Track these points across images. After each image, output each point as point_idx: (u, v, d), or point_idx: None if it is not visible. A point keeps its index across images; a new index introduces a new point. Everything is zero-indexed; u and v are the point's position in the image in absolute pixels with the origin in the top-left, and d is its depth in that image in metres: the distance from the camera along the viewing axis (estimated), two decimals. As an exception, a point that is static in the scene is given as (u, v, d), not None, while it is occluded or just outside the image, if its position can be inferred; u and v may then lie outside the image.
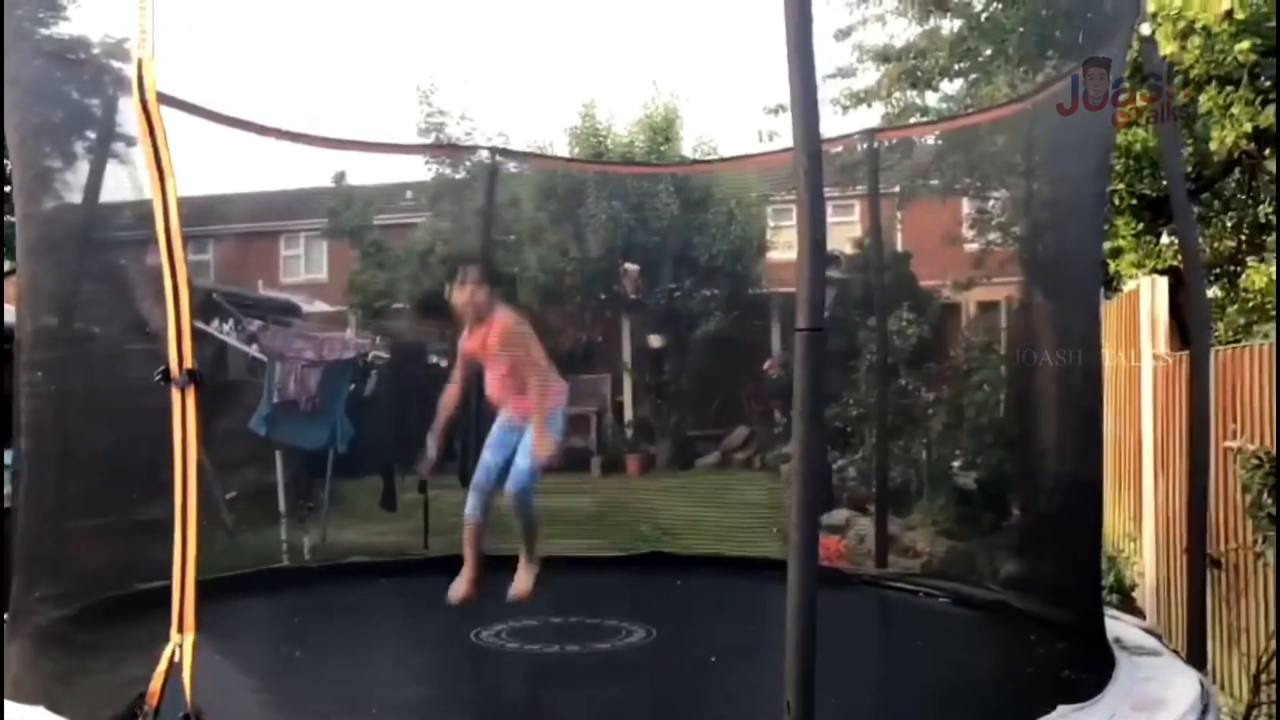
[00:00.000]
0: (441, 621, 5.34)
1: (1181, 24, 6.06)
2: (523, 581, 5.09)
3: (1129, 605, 7.04)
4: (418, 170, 17.25)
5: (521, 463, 4.89)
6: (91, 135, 5.58)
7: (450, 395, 5.20)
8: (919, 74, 10.48)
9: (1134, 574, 7.43)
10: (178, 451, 2.95)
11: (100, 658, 3.92)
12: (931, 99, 11.11)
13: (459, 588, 5.02)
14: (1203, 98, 6.65)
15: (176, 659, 2.94)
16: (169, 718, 2.96)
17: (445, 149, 15.64)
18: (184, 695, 2.95)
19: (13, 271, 5.65)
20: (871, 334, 8.28)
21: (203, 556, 3.08)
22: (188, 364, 2.95)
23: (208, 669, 3.11)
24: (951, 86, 10.89)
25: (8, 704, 3.40)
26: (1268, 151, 7.22)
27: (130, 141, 4.38)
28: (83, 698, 3.50)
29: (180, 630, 2.96)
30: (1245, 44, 5.99)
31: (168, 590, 3.02)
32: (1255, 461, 4.96)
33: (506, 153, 10.42)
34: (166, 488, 3.04)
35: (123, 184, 5.08)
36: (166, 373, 2.95)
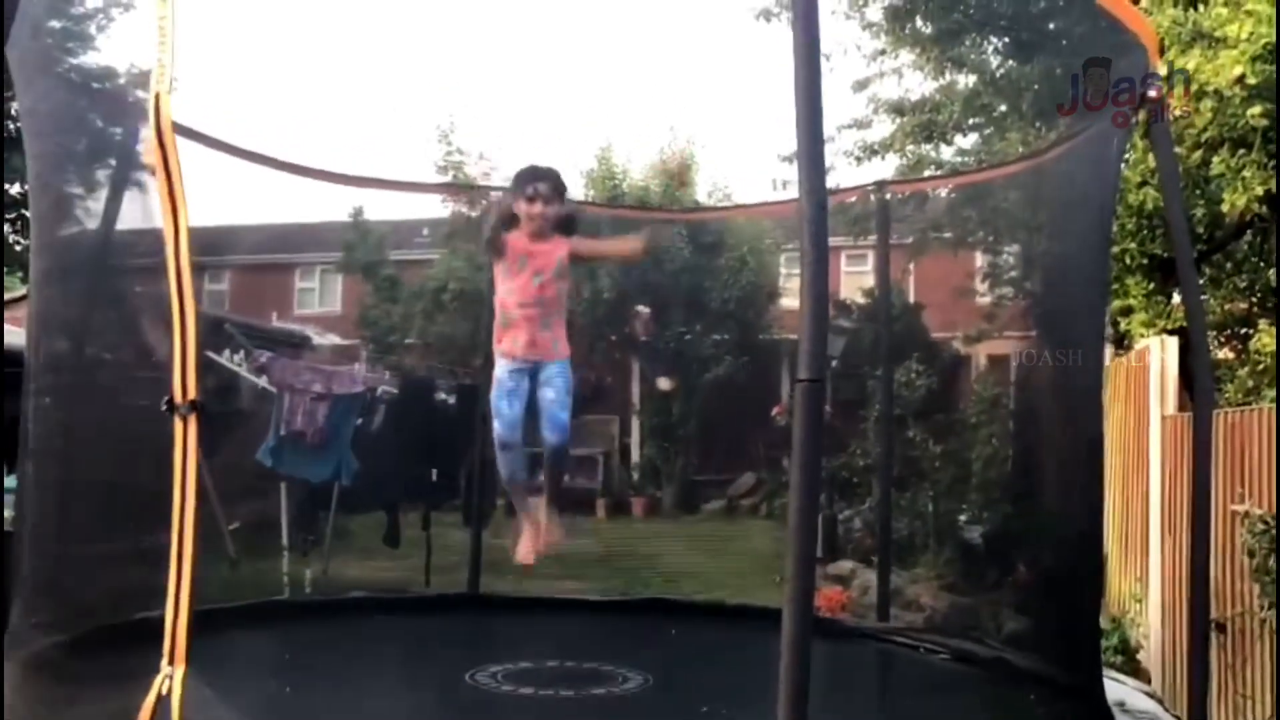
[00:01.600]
0: (437, 662, 5.32)
1: (1194, 87, 6.09)
2: (553, 531, 4.76)
3: (1134, 667, 6.97)
4: (434, 208, 17.41)
5: (559, 411, 4.46)
6: (113, 163, 5.64)
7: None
8: (933, 127, 10.54)
9: (1139, 636, 7.36)
10: (177, 482, 2.96)
11: (91, 687, 3.90)
12: (946, 152, 11.18)
13: (526, 549, 4.73)
14: (1215, 160, 6.67)
15: (165, 691, 2.92)
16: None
17: (462, 188, 15.77)
18: (172, 729, 2.93)
19: (20, 298, 5.69)
20: (880, 384, 8.26)
21: (202, 587, 3.07)
22: (191, 394, 2.96)
23: (200, 703, 3.09)
24: (965, 141, 10.96)
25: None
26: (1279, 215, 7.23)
27: (151, 170, 4.43)
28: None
29: (171, 662, 2.94)
30: (1257, 108, 6.01)
31: (162, 620, 3.01)
32: (1262, 525, 4.92)
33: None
34: (167, 517, 3.04)
35: (140, 212, 5.13)
36: (171, 402, 2.96)
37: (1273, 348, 8.13)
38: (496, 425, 4.50)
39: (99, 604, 4.86)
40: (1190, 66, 6.01)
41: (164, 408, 2.94)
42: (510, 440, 4.50)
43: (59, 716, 3.67)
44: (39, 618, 4.52)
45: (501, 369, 4.54)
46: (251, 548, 8.78)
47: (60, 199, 5.37)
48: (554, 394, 4.47)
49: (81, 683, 4.01)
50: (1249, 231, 8.37)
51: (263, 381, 8.43)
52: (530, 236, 4.51)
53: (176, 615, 2.97)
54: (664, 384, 16.85)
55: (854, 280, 15.67)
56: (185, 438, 2.98)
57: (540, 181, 4.51)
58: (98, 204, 5.33)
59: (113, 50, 12.60)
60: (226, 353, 9.00)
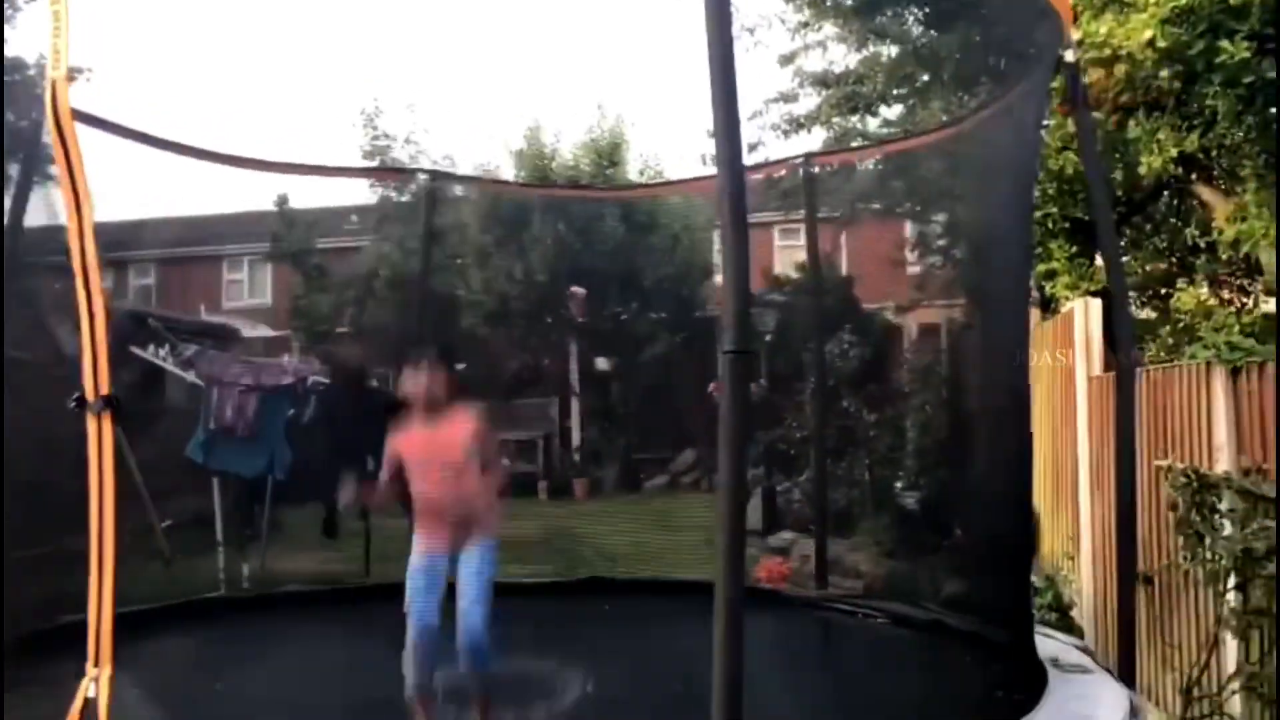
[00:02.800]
0: (378, 651, 5.27)
1: (1108, 51, 6.18)
2: None
3: (1068, 623, 7.12)
4: (363, 194, 17.18)
5: (473, 606, 3.95)
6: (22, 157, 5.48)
7: (379, 496, 4.31)
8: (858, 99, 10.61)
9: (1072, 592, 7.52)
10: (94, 479, 2.89)
11: (15, 694, 3.81)
12: (871, 124, 11.27)
13: None
14: (1130, 124, 6.78)
15: (92, 694, 2.86)
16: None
17: (388, 172, 15.58)
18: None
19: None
20: (814, 356, 8.35)
21: (138, 586, 3.02)
22: (104, 390, 2.89)
23: (129, 704, 3.04)
24: (890, 111, 11.04)
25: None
26: (1194, 176, 7.39)
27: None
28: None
29: (96, 664, 2.88)
30: (1168, 71, 6.12)
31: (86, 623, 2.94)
32: (1184, 479, 5.02)
33: (449, 176, 10.41)
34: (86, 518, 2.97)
35: (52, 208, 4.99)
36: (81, 399, 2.88)
37: (1191, 306, 8.33)
38: (409, 619, 3.99)
39: (22, 609, 4.75)
40: (1103, 32, 6.10)
41: (72, 405, 2.86)
42: (418, 637, 3.96)
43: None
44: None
45: (416, 554, 4.09)
46: (186, 545, 8.63)
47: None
48: (470, 594, 3.97)
49: (7, 689, 3.91)
50: (1166, 193, 8.56)
51: (190, 376, 8.27)
52: (424, 418, 4.08)
53: (100, 616, 2.91)
54: (602, 364, 16.83)
55: (788, 254, 15.76)
56: (100, 435, 2.91)
57: (421, 354, 4.18)
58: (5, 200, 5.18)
59: (20, 42, 12.24)
60: (152, 348, 8.79)
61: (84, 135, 3.85)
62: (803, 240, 13.97)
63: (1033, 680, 4.04)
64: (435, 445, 4.07)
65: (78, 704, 2.88)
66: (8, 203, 5.13)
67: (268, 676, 4.83)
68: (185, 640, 5.47)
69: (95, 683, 2.87)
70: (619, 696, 4.53)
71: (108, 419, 2.90)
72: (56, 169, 5.25)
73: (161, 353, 8.79)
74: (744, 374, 2.72)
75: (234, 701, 4.43)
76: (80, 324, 2.89)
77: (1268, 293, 8.46)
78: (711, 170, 10.97)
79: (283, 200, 16.89)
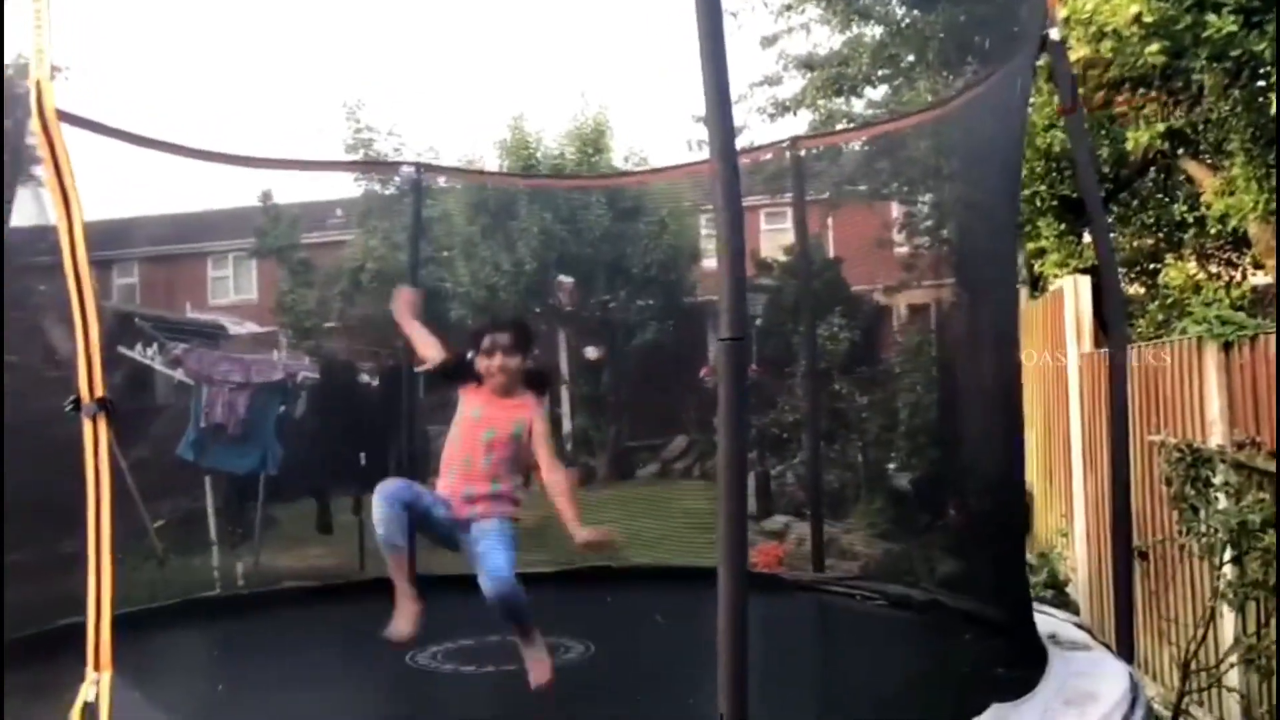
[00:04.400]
0: (377, 645, 5.26)
1: (1094, 28, 6.17)
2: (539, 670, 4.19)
3: (1063, 600, 7.15)
4: (347, 187, 17.11)
5: (497, 558, 4.00)
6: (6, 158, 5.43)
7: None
8: (843, 81, 10.60)
9: (1067, 569, 7.55)
10: (90, 482, 2.86)
11: (13, 699, 3.79)
12: (857, 105, 11.26)
13: (399, 626, 4.21)
14: (1117, 100, 6.79)
15: (92, 698, 2.85)
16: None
17: (373, 165, 15.51)
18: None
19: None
20: (805, 339, 8.35)
21: (130, 587, 3.00)
22: (99, 392, 2.86)
23: (130, 708, 3.02)
24: (875, 92, 11.03)
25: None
26: (1181, 151, 7.40)
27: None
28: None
29: (96, 668, 2.86)
30: (1155, 46, 6.11)
31: (85, 626, 2.92)
32: (1177, 454, 5.05)
33: (435, 168, 10.35)
34: (82, 520, 2.95)
35: (40, 208, 4.95)
36: (77, 402, 2.86)
37: (1179, 281, 8.36)
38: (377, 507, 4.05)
39: (18, 613, 4.72)
40: (1089, 8, 6.09)
41: (68, 408, 2.84)
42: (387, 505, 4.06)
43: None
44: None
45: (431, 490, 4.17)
46: (179, 544, 8.61)
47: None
48: (485, 547, 4.02)
49: (6, 696, 3.89)
50: (1153, 168, 8.57)
51: (178, 374, 8.23)
52: (493, 391, 4.22)
53: (99, 620, 2.89)
54: (591, 353, 16.80)
55: (774, 238, 15.73)
56: (95, 438, 2.89)
57: (500, 333, 4.23)
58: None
59: (-2, 41, 12.11)
60: (139, 347, 8.74)
61: (66, 135, 3.83)
62: (789, 223, 14.01)
63: (1033, 657, 4.04)
64: (493, 406, 4.20)
65: (77, 709, 2.86)
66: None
67: (268, 675, 4.81)
68: (183, 640, 5.43)
69: (95, 686, 2.85)
70: (624, 683, 4.53)
71: (103, 421, 2.88)
72: (40, 170, 5.25)
73: (149, 352, 8.74)
74: (741, 360, 2.71)
75: (236, 701, 4.41)
76: (72, 326, 2.86)
77: (1256, 266, 8.49)
78: (697, 155, 10.98)
79: (266, 196, 16.82)
